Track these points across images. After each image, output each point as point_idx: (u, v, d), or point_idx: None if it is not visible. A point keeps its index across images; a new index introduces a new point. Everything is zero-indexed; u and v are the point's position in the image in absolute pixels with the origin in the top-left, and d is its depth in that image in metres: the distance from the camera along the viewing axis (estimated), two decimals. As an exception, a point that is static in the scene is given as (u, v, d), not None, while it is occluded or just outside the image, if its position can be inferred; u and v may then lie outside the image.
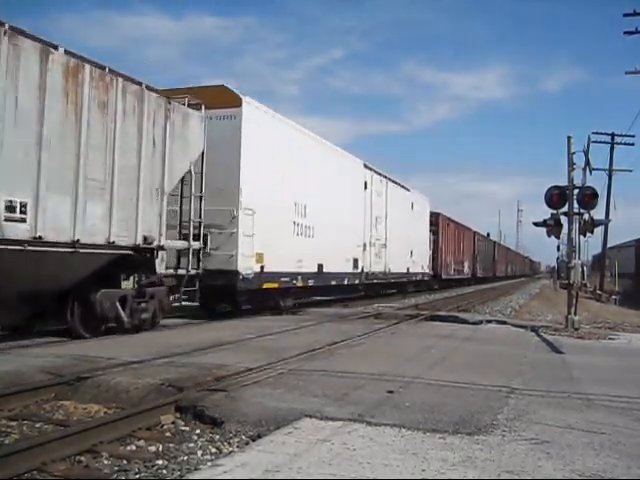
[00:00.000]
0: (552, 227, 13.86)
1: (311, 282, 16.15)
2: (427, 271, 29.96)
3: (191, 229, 11.61)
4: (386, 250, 22.48)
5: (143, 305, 10.32)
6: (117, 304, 9.75)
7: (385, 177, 22.70)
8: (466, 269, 41.93)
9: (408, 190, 26.52)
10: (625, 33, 28.10)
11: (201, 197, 11.80)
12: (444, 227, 34.65)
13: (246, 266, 12.83)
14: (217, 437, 4.78)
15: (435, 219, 32.73)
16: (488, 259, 54.34)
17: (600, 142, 36.62)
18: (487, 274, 53.19)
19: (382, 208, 22.16)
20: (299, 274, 15.33)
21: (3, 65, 7.74)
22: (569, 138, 13.91)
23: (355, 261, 19.25)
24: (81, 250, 8.89)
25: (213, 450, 4.50)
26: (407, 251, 25.96)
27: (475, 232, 47.25)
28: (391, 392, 5.97)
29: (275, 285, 14.30)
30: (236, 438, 4.73)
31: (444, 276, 34.12)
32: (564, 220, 13.76)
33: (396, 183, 24.49)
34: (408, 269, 26.12)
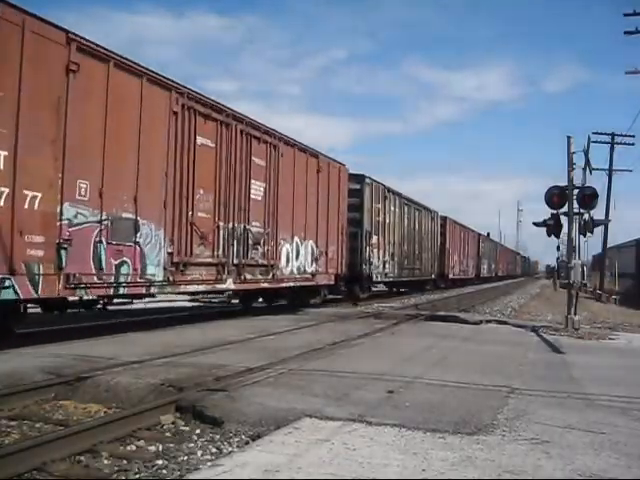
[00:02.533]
0: (552, 227, 13.87)
1: None
2: None
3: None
4: None
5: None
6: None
7: None
8: (318, 264, 16.00)
9: None
10: (625, 33, 28.12)
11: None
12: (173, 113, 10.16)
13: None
14: (217, 437, 4.78)
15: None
16: (429, 247, 30.21)
17: (600, 142, 36.66)
18: (424, 275, 29.53)
19: None
20: None
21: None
22: (569, 138, 13.92)
23: None
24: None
25: (213, 450, 4.50)
26: None
27: (375, 181, 21.27)
28: (391, 392, 5.97)
29: None
30: (236, 438, 4.73)
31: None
32: (564, 220, 13.79)
33: None
34: None
